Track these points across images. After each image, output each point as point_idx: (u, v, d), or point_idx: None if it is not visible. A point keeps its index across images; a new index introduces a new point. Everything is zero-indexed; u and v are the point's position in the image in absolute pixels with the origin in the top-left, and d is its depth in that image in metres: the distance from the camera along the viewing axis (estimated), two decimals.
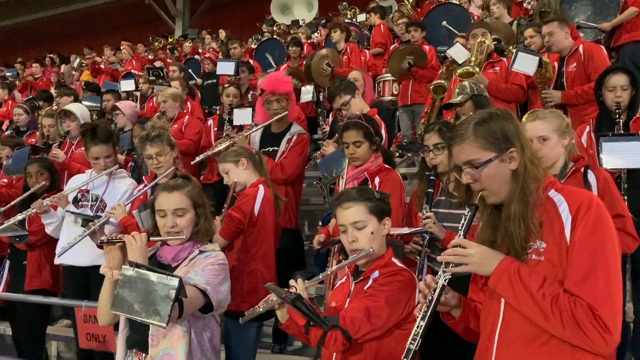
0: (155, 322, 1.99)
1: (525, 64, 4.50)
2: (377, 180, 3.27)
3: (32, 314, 4.32)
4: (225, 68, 6.91)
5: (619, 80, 3.54)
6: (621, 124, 3.50)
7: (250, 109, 5.11)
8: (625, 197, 3.13)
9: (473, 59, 4.98)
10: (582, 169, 2.75)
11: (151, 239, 2.39)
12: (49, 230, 4.06)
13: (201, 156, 4.45)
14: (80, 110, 5.49)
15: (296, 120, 5.14)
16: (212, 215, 2.61)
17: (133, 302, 2.01)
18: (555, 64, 4.78)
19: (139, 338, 2.38)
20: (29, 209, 3.95)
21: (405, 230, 2.83)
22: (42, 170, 4.39)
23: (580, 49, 4.56)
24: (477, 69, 4.69)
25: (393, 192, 3.07)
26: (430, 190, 2.91)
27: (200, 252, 2.44)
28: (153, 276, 2.02)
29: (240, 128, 4.94)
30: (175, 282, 1.99)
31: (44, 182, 4.34)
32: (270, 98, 4.31)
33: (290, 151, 4.22)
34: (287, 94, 4.40)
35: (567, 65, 4.59)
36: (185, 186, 2.48)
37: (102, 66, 10.65)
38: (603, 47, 4.93)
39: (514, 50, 4.71)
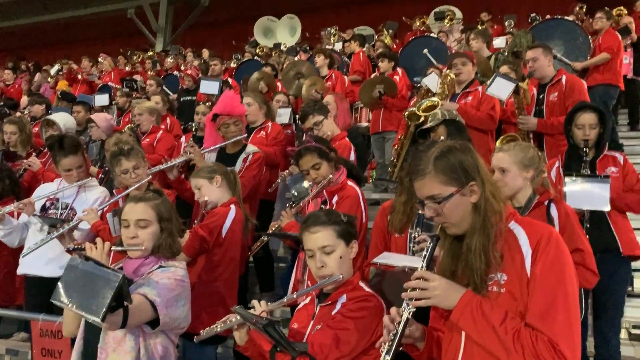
0: (91, 316, 1.88)
1: (500, 89, 4.51)
2: (334, 199, 3.24)
3: None
4: (209, 87, 6.75)
5: (588, 118, 3.58)
6: (588, 162, 3.55)
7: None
8: (588, 236, 3.08)
9: (439, 91, 5.01)
10: (546, 203, 2.80)
11: (112, 248, 2.36)
12: (0, 234, 3.92)
13: (154, 169, 4.26)
14: (64, 120, 5.38)
15: (273, 141, 5.12)
16: (181, 232, 2.55)
17: (73, 293, 1.91)
18: (535, 91, 4.79)
19: (90, 352, 2.31)
20: None
21: (395, 261, 2.58)
22: None
23: (563, 80, 4.58)
24: (438, 101, 4.67)
25: (349, 210, 3.03)
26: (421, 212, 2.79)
27: (161, 267, 2.38)
28: (96, 269, 1.93)
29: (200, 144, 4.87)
30: (117, 277, 1.89)
31: None
32: (228, 121, 4.32)
33: (246, 169, 4.24)
34: (242, 116, 4.41)
35: (548, 94, 4.61)
36: (152, 199, 2.44)
37: (79, 76, 10.50)
38: (584, 82, 4.96)
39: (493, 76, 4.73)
